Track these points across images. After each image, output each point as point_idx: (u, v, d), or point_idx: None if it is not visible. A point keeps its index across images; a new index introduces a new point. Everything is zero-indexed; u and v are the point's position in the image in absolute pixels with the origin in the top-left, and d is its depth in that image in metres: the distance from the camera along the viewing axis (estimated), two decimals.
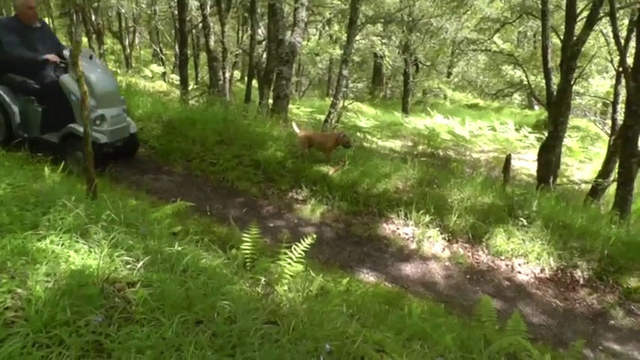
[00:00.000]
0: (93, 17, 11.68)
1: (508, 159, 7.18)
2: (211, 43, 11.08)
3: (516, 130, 14.75)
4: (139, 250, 2.85)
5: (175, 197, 5.00)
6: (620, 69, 8.52)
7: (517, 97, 24.06)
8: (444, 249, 5.75)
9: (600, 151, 12.46)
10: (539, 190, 6.83)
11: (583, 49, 9.31)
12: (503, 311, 4.55)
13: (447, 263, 5.53)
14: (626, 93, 7.58)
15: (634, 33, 8.12)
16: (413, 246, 5.76)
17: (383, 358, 2.57)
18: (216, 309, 2.45)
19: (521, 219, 5.87)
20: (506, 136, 14.14)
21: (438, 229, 5.95)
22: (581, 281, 5.52)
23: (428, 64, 20.21)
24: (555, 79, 9.12)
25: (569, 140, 13.77)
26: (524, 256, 5.64)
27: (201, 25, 11.56)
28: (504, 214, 6.00)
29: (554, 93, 8.99)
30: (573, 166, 12.95)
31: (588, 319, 5.04)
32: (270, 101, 9.56)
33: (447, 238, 5.87)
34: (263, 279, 3.32)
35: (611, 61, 10.86)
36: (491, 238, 5.78)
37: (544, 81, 9.58)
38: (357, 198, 6.28)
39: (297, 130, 6.83)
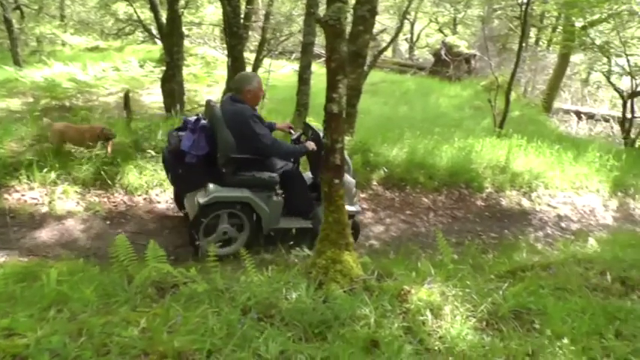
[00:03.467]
0: None
1: (126, 96, 7.03)
2: None
3: (141, 66, 14.51)
4: None
5: None
6: None
7: (140, 35, 23.66)
8: (77, 202, 5.41)
9: (224, 73, 13.33)
10: (164, 119, 6.97)
11: None
12: None
13: (84, 216, 5.23)
14: (226, 17, 8.15)
15: None
16: (44, 209, 5.26)
17: (14, 340, 2.32)
18: None
19: (149, 151, 5.92)
20: (131, 74, 13.83)
21: (67, 183, 5.55)
22: None
23: (35, 7, 17.93)
24: (165, 13, 9.19)
25: (194, 68, 14.36)
26: (159, 186, 5.75)
27: None
28: (132, 151, 5.95)
29: (165, 25, 9.11)
30: (202, 90, 13.62)
31: None
32: None
33: (79, 191, 5.52)
34: None
35: None
36: (124, 177, 5.70)
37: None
38: None
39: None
